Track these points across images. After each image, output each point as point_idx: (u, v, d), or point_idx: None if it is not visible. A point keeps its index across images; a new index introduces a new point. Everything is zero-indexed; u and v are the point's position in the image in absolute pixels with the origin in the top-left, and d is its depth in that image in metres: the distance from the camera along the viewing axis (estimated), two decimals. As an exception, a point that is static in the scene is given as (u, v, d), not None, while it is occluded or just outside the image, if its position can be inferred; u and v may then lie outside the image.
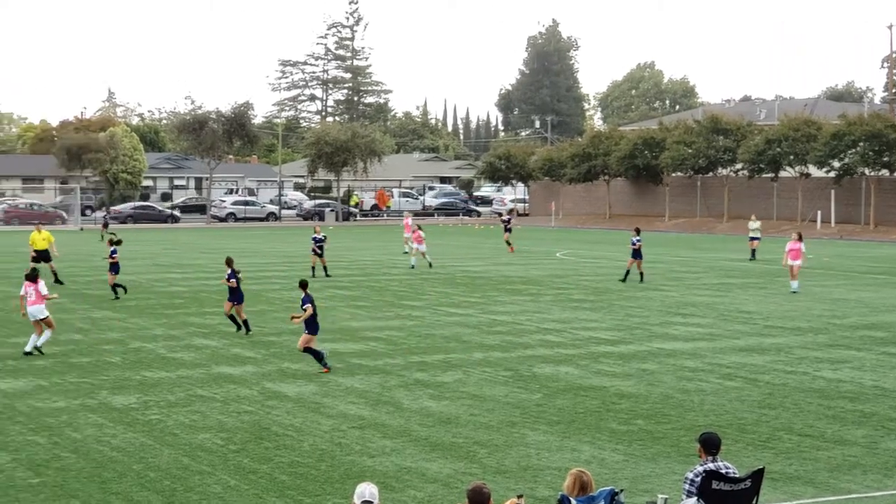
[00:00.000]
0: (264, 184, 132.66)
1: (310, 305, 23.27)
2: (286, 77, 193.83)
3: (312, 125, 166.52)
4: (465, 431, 18.27)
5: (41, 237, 40.86)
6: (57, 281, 40.05)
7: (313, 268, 44.24)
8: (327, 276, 43.56)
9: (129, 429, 18.23)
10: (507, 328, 30.22)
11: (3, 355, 25.10)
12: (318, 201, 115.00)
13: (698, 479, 11.53)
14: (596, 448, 17.35)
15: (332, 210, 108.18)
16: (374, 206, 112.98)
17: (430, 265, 48.16)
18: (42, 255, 40.75)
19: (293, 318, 24.32)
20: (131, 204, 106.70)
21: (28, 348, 25.05)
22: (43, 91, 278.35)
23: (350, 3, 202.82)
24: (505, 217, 63.29)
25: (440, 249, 61.88)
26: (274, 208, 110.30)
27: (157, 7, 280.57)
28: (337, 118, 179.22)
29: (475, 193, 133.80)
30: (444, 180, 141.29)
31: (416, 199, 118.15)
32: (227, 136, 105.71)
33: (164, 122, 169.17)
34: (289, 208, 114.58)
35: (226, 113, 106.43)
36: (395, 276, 45.37)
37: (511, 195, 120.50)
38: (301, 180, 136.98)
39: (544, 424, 18.84)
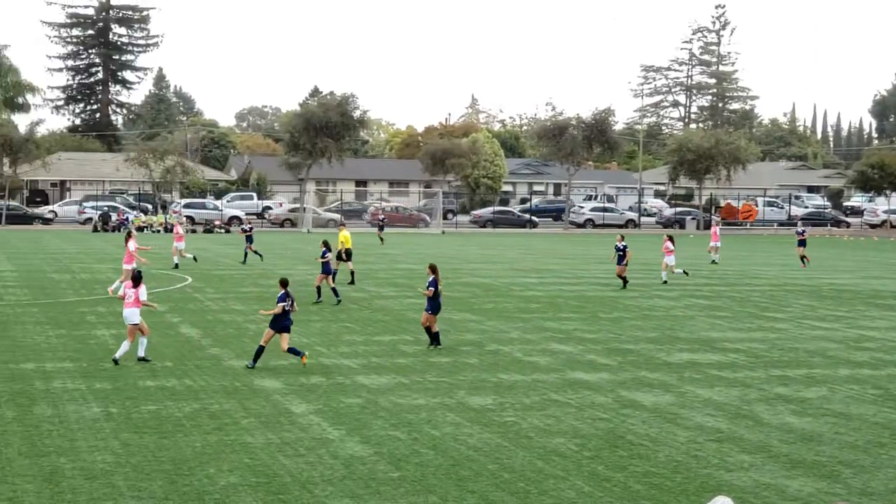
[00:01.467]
0: (624, 190, 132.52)
1: (281, 305, 23.13)
2: (649, 83, 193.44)
3: (674, 132, 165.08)
4: (829, 450, 17.40)
5: (344, 237, 41.93)
6: (351, 282, 41.26)
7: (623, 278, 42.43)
8: (623, 287, 41.96)
9: (486, 429, 18.40)
10: (877, 345, 28.72)
11: (368, 352, 25.95)
12: (678, 209, 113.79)
13: None
14: (975, 476, 16.12)
15: (692, 218, 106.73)
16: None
17: (665, 282, 44.80)
18: (346, 254, 41.50)
19: (261, 312, 25.72)
20: (490, 209, 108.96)
21: (118, 356, 23.64)
22: (410, 98, 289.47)
23: (716, 7, 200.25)
24: (800, 229, 59.72)
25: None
26: (633, 215, 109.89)
27: (523, 15, 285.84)
28: (700, 125, 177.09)
29: (845, 203, 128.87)
30: (811, 189, 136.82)
31: (781, 208, 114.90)
32: (588, 143, 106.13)
33: (525, 128, 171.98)
34: (648, 215, 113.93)
35: (586, 119, 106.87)
36: (758, 287, 44.11)
37: (884, 206, 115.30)
38: (661, 187, 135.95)
39: (916, 448, 17.71)
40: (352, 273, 42.04)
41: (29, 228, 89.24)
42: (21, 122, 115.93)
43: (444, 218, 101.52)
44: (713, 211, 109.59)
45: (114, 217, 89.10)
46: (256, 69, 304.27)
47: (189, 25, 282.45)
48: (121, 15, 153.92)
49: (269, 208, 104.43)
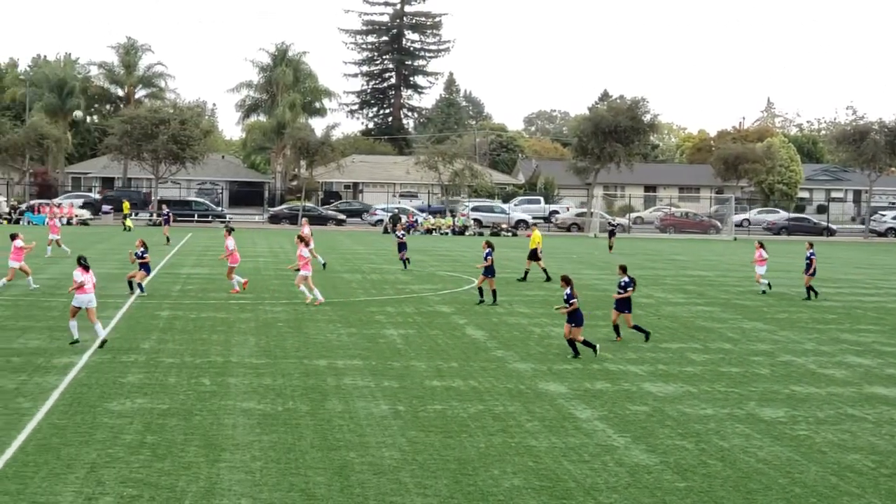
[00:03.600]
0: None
1: (575, 301, 24.71)
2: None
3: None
4: None
5: (536, 236, 44.81)
6: (548, 279, 42.93)
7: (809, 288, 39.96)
8: (813, 296, 39.69)
9: (776, 442, 17.76)
10: None
11: (655, 360, 25.54)
12: None
13: None
14: None
15: None
16: None
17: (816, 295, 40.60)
18: (533, 254, 43.78)
19: (557, 308, 26.30)
20: (785, 215, 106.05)
21: (102, 337, 24.82)
22: (703, 102, 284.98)
23: None
24: None
25: None
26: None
27: (821, 16, 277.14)
28: None
29: None
30: None
31: None
32: (890, 148, 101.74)
33: (823, 132, 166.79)
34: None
35: (889, 124, 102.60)
36: None
37: None
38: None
39: None
40: (545, 271, 43.75)
41: (323, 229, 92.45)
42: (318, 126, 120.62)
43: (738, 225, 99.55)
44: None
45: (403, 219, 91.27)
46: (545, 73, 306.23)
47: (479, 30, 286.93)
48: (414, 21, 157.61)
49: (556, 212, 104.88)
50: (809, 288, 39.89)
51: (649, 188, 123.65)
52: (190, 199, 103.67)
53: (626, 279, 27.17)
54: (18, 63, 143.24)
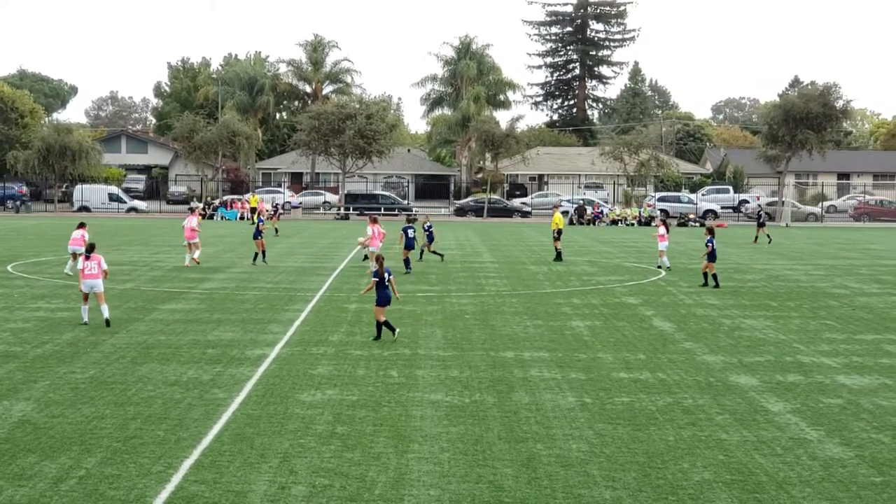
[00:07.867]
0: None
1: (374, 280, 25.21)
2: None
3: None
4: None
5: (557, 219, 48.20)
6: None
7: None
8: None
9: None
10: None
11: (849, 351, 24.83)
12: None
13: None
14: None
15: None
16: None
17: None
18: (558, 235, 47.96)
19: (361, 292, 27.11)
20: None
21: (107, 316, 26.48)
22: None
23: None
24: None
25: None
26: None
27: None
28: None
29: None
30: None
31: None
32: None
33: None
34: None
35: None
36: None
37: None
38: None
39: None
40: (558, 252, 47.74)
41: (508, 221, 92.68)
42: (502, 118, 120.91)
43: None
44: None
45: (589, 210, 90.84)
46: (734, 60, 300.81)
47: (665, 18, 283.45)
48: (598, 11, 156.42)
49: (746, 202, 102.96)
50: None
51: (842, 176, 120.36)
52: (376, 192, 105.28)
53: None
54: (211, 63, 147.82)
